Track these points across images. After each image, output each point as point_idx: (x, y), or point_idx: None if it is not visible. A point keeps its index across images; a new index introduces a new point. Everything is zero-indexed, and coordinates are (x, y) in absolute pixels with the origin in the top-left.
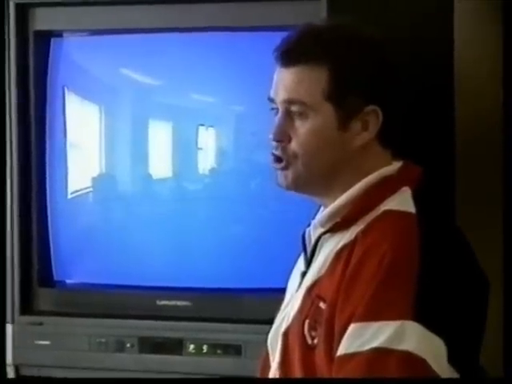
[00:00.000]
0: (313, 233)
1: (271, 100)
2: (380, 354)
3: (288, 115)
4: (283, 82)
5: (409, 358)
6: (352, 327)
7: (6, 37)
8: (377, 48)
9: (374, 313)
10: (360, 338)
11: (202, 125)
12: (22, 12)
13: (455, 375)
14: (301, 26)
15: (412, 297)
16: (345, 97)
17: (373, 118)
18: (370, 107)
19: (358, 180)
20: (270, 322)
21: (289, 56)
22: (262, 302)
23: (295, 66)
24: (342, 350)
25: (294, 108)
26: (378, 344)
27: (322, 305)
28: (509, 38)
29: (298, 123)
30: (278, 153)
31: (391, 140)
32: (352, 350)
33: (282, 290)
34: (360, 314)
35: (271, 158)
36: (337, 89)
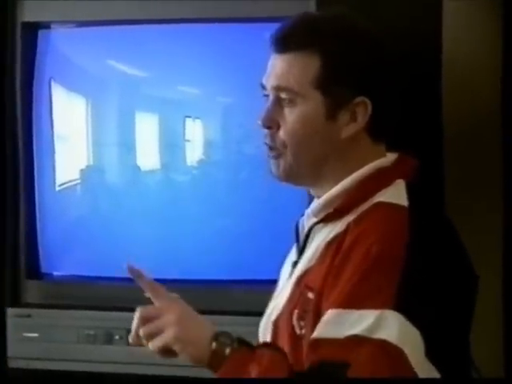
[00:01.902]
0: (306, 222)
1: (263, 86)
2: (357, 341)
3: (278, 102)
4: (275, 68)
5: (385, 346)
6: (331, 313)
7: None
8: (370, 40)
9: (354, 301)
10: (339, 324)
11: (189, 117)
12: (12, 3)
13: (433, 371)
14: (297, 14)
15: (395, 287)
16: (334, 86)
17: (361, 110)
18: (359, 98)
19: (348, 171)
20: (260, 313)
21: (282, 42)
22: (252, 293)
23: (287, 53)
24: (318, 334)
25: (283, 95)
26: (357, 332)
27: (310, 295)
28: (509, 31)
29: (286, 111)
30: (267, 141)
31: (382, 132)
32: (329, 335)
33: (272, 282)
34: (341, 300)
35: (265, 146)
36: (326, 77)
